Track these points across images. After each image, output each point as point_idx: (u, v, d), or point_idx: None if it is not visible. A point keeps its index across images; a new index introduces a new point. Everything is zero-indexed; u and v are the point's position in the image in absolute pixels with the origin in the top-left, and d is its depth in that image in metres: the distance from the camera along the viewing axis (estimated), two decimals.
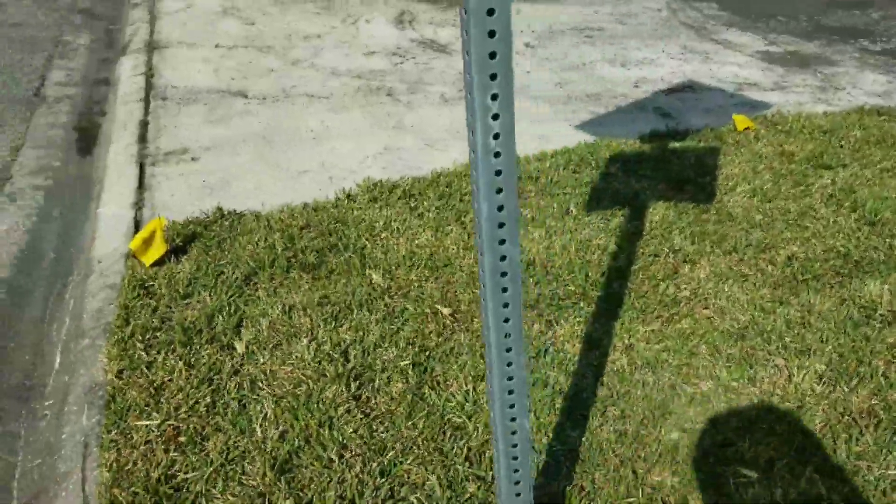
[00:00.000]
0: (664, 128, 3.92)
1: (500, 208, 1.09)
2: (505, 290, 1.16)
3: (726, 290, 2.51)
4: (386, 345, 2.20)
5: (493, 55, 0.97)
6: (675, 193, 3.07)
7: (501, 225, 1.10)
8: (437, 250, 2.65)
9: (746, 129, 3.81)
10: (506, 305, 1.18)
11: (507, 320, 1.19)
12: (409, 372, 2.10)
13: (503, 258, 1.13)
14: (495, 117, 1.01)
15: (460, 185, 3.18)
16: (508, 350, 1.22)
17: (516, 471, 1.38)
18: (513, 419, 1.31)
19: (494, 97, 1.00)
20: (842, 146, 3.65)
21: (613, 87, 4.71)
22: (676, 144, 3.59)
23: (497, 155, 1.04)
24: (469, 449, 1.87)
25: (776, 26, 6.19)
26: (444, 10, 6.14)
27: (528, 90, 4.58)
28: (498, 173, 1.06)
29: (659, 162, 3.38)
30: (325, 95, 4.33)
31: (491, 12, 0.95)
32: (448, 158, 3.53)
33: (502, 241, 1.12)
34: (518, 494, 1.41)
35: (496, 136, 1.03)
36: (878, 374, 2.14)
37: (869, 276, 2.59)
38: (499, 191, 1.07)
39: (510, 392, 1.27)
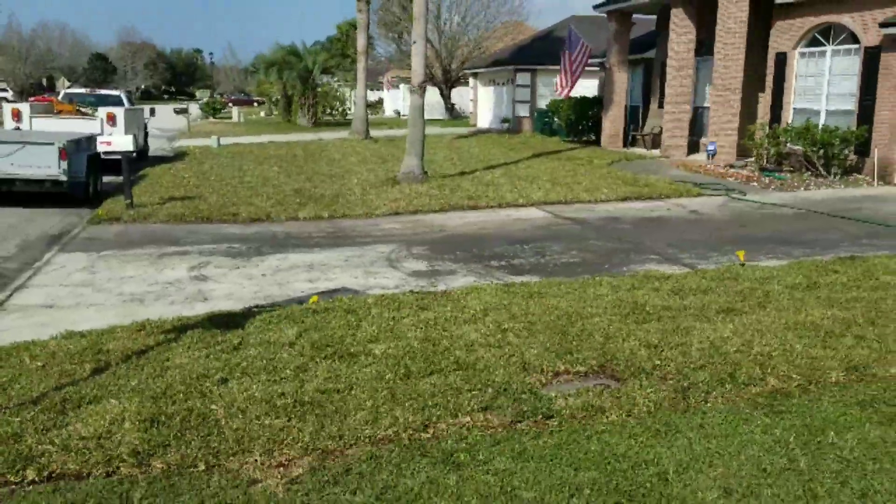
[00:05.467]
0: None
1: None
2: None
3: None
4: None
5: None
6: (210, 340, 5.96)
7: None
8: None
9: (315, 301, 6.83)
10: None
11: None
12: None
13: None
14: None
15: (155, 339, 6.13)
16: None
17: None
18: None
19: None
20: (351, 309, 6.63)
21: (292, 293, 7.75)
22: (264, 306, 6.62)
23: None
24: None
25: (449, 257, 9.39)
26: (234, 258, 9.42)
27: (232, 295, 7.67)
28: None
29: (238, 317, 6.37)
30: (100, 304, 7.41)
31: None
32: (142, 317, 6.50)
33: None
34: None
35: None
36: None
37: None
38: None
39: None
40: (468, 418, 4.32)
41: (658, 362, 5.10)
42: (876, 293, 6.71)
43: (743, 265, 7.94)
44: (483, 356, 5.28)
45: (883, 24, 14.33)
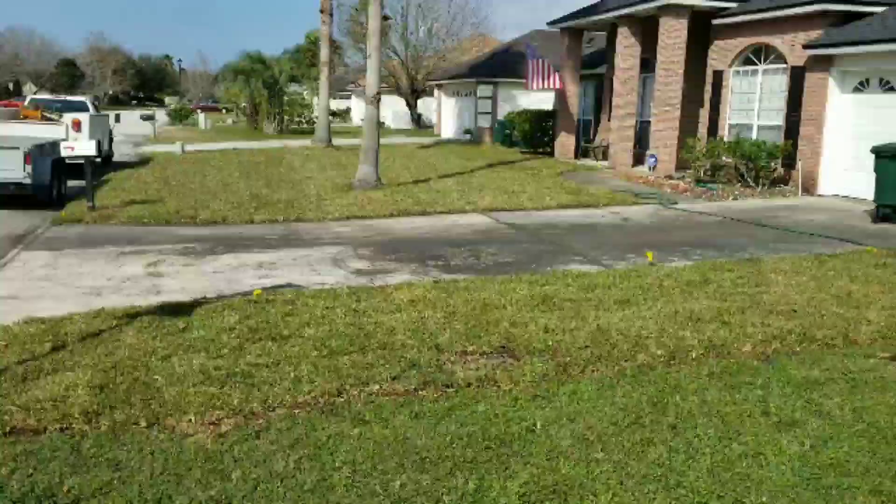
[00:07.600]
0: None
1: None
2: None
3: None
4: None
5: None
6: (159, 325, 6.63)
7: None
8: None
9: (259, 294, 7.50)
10: None
11: None
12: None
13: None
14: None
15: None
16: None
17: None
18: None
19: None
20: (290, 300, 7.30)
21: (240, 288, 8.39)
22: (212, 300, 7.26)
23: None
24: None
25: (391, 257, 10.11)
26: (189, 256, 10.05)
27: (184, 289, 8.29)
28: None
29: (186, 307, 7.02)
30: (60, 296, 8.00)
31: None
32: (99, 307, 7.11)
33: None
34: None
35: None
36: None
37: None
38: None
39: None
40: (378, 386, 5.04)
41: (550, 343, 5.87)
42: (757, 288, 7.58)
43: (652, 265, 8.77)
44: (401, 339, 6.01)
45: (806, 46, 15.40)
